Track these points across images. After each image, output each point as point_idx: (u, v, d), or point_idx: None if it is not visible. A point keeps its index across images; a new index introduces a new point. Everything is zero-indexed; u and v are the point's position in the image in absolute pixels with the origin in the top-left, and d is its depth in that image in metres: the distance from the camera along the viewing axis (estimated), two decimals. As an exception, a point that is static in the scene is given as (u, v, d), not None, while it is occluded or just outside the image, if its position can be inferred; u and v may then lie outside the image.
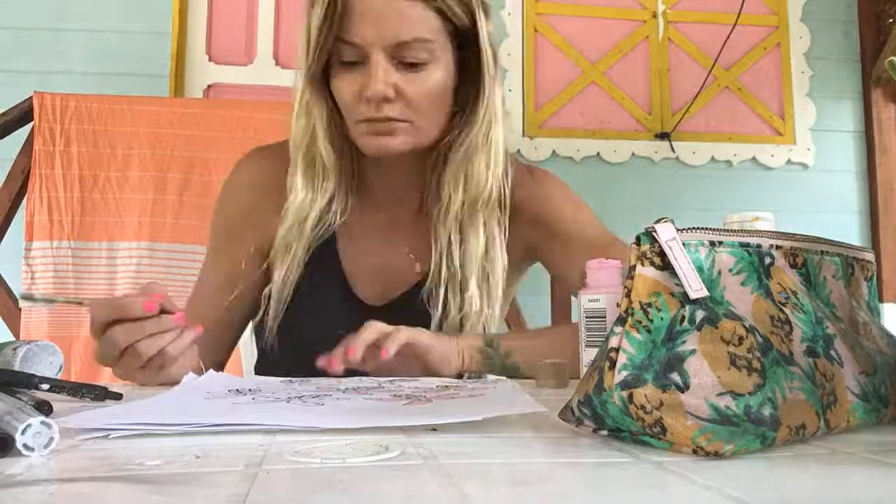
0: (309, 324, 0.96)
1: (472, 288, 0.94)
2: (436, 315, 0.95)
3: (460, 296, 0.95)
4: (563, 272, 1.03)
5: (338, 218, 0.98)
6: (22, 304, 1.28)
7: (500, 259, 0.97)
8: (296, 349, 0.90)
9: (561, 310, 1.52)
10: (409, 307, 0.96)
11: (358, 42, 0.87)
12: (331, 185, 0.96)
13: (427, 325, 0.92)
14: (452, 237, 0.96)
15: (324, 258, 0.98)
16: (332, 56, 0.89)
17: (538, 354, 0.81)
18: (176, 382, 0.68)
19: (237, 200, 1.04)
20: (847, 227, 2.47)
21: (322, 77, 0.92)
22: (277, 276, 0.97)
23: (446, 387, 0.70)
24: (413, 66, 0.89)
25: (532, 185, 1.03)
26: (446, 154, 0.96)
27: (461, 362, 0.85)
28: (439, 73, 0.91)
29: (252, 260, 1.00)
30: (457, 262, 0.95)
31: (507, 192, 0.99)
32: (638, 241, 0.43)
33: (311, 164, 0.95)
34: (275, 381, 0.76)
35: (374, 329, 0.80)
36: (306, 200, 0.95)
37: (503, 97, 0.97)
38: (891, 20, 2.49)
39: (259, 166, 1.04)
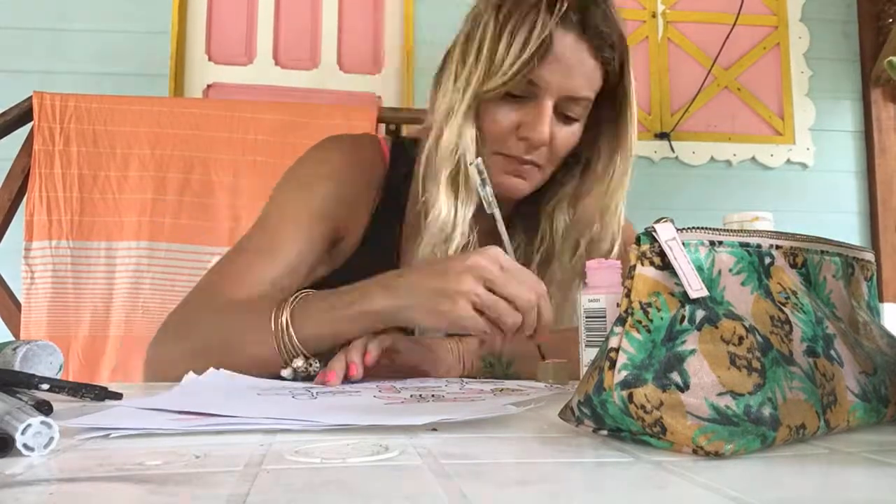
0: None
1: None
2: None
3: None
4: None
5: (472, 242, 0.93)
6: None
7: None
8: None
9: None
10: None
11: (540, 84, 0.87)
12: (472, 208, 0.91)
13: None
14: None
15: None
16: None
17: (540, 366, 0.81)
18: None
19: (331, 181, 0.97)
20: (846, 227, 2.47)
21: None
22: None
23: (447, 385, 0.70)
24: (568, 120, 0.91)
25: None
26: (560, 199, 0.98)
27: (462, 368, 0.85)
28: (580, 131, 0.93)
29: (327, 240, 0.96)
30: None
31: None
32: (638, 240, 0.43)
33: (455, 181, 0.91)
34: (276, 382, 0.76)
35: (363, 337, 0.79)
36: (450, 218, 0.91)
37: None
38: (890, 20, 2.50)
39: (355, 153, 1.00)
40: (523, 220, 1.01)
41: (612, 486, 0.35)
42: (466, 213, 0.91)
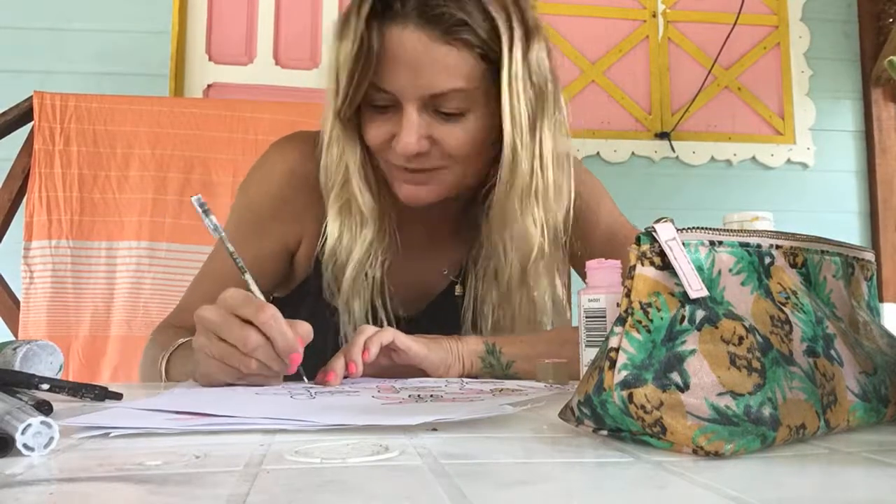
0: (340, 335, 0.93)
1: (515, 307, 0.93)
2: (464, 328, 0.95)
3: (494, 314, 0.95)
4: (582, 261, 0.98)
5: (378, 264, 0.90)
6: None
7: (558, 286, 0.96)
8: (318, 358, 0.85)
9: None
10: (439, 315, 0.96)
11: (390, 90, 0.81)
12: (369, 233, 0.89)
13: (456, 329, 0.93)
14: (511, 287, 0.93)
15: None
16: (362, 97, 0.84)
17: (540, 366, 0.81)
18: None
19: (268, 189, 0.95)
20: (847, 227, 2.47)
21: (352, 115, 0.86)
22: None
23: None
24: (449, 116, 0.83)
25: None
26: (491, 201, 0.90)
27: (461, 367, 0.84)
28: (478, 121, 0.84)
29: (275, 257, 0.95)
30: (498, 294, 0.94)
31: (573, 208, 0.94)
32: (638, 240, 0.43)
33: (347, 208, 0.89)
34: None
35: (363, 334, 0.79)
36: (342, 248, 0.89)
37: (561, 122, 0.90)
38: (891, 20, 2.49)
39: (296, 154, 0.96)
40: (464, 230, 0.97)
41: (612, 486, 0.35)
42: (362, 235, 0.88)
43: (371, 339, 0.78)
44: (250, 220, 0.96)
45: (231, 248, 0.77)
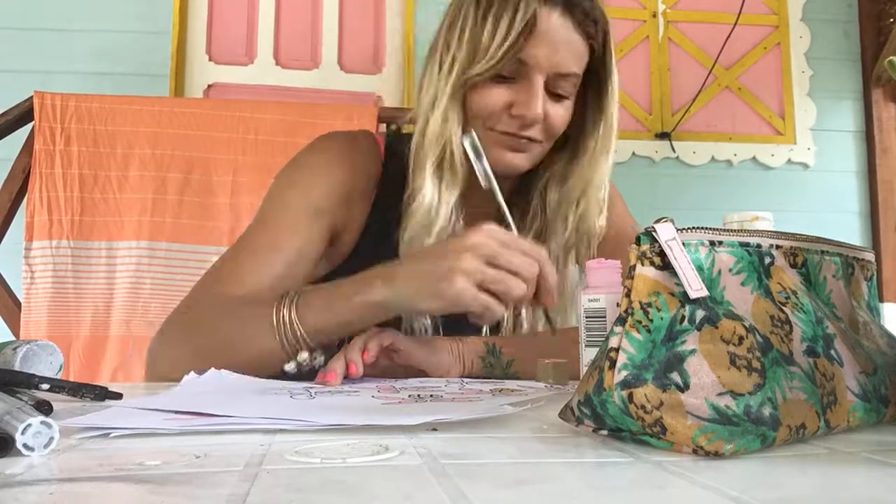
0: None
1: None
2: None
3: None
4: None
5: (456, 226, 0.94)
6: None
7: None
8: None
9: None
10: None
11: (529, 62, 0.88)
12: (457, 193, 0.93)
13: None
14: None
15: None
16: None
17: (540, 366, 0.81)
18: None
19: (328, 176, 0.97)
20: (847, 227, 2.47)
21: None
22: None
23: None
24: (559, 97, 0.91)
25: None
26: (550, 177, 0.99)
27: (461, 367, 0.85)
28: (571, 108, 0.94)
29: (320, 248, 0.95)
30: None
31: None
32: (638, 240, 0.43)
33: (440, 167, 0.92)
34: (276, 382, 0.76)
35: (362, 336, 0.79)
36: (434, 204, 0.91)
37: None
38: (891, 20, 2.49)
39: (351, 148, 0.99)
40: (516, 198, 1.01)
41: (612, 486, 0.35)
42: (450, 198, 0.92)
43: (370, 340, 0.78)
44: (310, 202, 0.95)
45: (502, 202, 0.86)
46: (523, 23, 0.86)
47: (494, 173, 0.89)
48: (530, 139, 0.92)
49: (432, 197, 0.91)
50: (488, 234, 0.74)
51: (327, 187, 0.96)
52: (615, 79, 0.96)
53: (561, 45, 0.89)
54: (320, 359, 0.78)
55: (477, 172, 0.86)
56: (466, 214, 0.95)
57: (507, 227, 0.84)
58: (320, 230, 0.95)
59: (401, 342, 0.81)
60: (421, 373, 0.83)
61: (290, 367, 0.77)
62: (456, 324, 0.88)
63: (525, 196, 1.02)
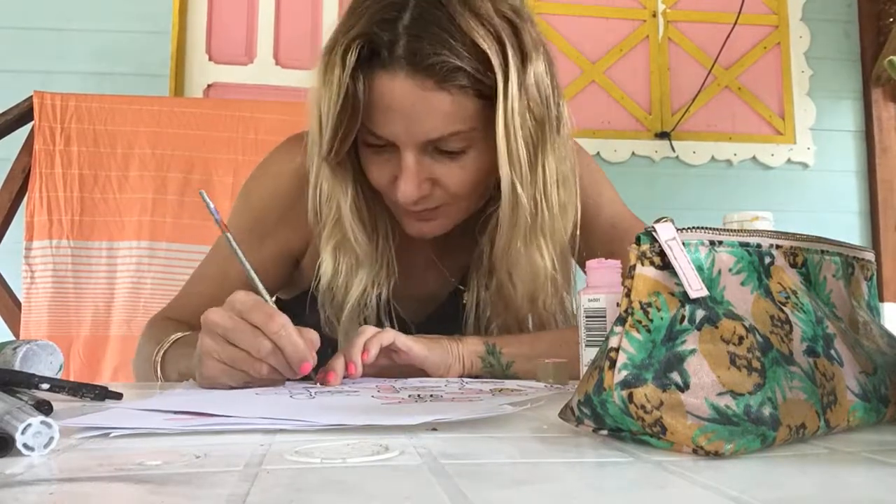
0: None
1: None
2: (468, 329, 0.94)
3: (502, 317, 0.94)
4: (584, 252, 0.95)
5: (376, 295, 0.89)
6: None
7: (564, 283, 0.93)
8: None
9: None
10: (445, 318, 0.95)
11: (386, 136, 0.79)
12: (365, 274, 0.87)
13: (460, 331, 0.92)
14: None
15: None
16: (357, 135, 0.80)
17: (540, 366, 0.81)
18: None
19: (274, 191, 0.93)
20: (847, 227, 2.47)
21: (343, 157, 0.82)
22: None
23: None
24: (450, 154, 0.81)
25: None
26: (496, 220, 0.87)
27: (461, 367, 0.84)
28: (479, 157, 0.82)
29: (277, 262, 0.94)
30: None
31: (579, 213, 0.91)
32: (638, 240, 0.43)
33: (341, 247, 0.87)
34: None
35: (363, 335, 0.79)
36: (339, 287, 0.87)
37: (564, 138, 0.86)
38: (891, 20, 2.49)
39: (304, 155, 0.91)
40: (460, 237, 0.93)
41: (612, 486, 0.35)
42: (363, 275, 0.86)
43: (371, 340, 0.78)
44: (253, 223, 0.93)
45: (239, 251, 0.76)
46: (339, 103, 0.74)
47: (413, 238, 0.85)
48: (433, 208, 0.84)
49: (335, 276, 0.86)
50: (226, 307, 0.68)
51: (272, 201, 0.93)
52: (508, 118, 0.77)
53: (417, 113, 0.76)
54: None
55: (216, 222, 0.77)
56: (404, 255, 0.91)
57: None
58: (273, 248, 0.93)
59: (401, 342, 0.81)
60: (421, 372, 0.83)
61: None
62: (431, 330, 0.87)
63: (473, 231, 0.92)
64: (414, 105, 0.76)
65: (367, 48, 0.75)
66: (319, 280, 0.88)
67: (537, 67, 0.80)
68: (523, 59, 0.78)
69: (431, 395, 0.64)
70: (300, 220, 0.91)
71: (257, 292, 0.73)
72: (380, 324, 0.90)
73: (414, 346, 0.82)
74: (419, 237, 0.89)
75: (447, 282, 0.99)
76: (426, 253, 0.97)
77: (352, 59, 0.74)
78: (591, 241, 0.95)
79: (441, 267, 0.98)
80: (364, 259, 0.87)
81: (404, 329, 0.86)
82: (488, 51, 0.76)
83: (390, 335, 0.80)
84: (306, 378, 0.73)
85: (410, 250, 0.94)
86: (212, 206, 0.75)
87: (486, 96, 0.78)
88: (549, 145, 0.83)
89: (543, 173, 0.83)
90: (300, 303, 0.96)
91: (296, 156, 0.92)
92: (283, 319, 0.67)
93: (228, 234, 0.76)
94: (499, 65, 0.76)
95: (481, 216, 0.90)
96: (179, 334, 0.83)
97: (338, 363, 0.75)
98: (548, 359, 0.80)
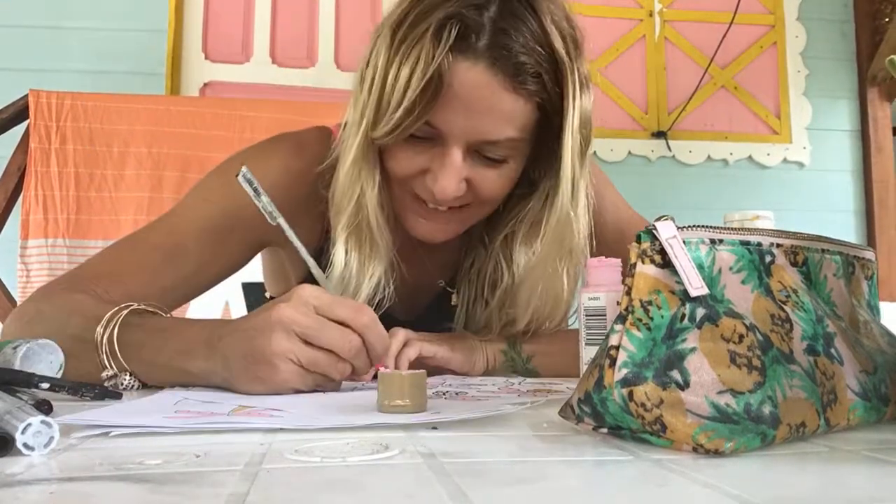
0: None
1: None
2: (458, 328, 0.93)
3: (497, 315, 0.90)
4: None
5: (387, 294, 0.84)
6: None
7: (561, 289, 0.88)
8: None
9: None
10: (435, 318, 0.94)
11: (441, 128, 0.75)
12: (380, 268, 0.82)
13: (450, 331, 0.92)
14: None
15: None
16: None
17: (557, 361, 0.83)
18: None
19: (269, 188, 0.90)
20: (843, 226, 2.48)
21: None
22: None
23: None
24: (492, 161, 0.78)
25: None
26: (506, 226, 0.86)
27: (485, 363, 0.85)
28: (516, 167, 0.80)
29: (238, 257, 0.89)
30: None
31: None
32: (638, 238, 0.43)
33: (357, 236, 0.82)
34: None
35: (398, 340, 0.78)
36: (347, 276, 0.81)
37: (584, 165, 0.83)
38: (886, 19, 2.50)
39: (294, 154, 0.89)
40: (475, 244, 0.91)
41: (612, 485, 0.35)
42: (373, 270, 0.82)
43: (399, 358, 0.77)
44: (225, 209, 0.85)
45: (295, 239, 0.72)
46: (423, 80, 0.70)
47: (419, 240, 0.82)
48: (454, 208, 0.81)
49: (347, 267, 0.81)
50: (300, 303, 0.61)
51: (239, 206, 0.82)
52: (571, 132, 0.77)
53: (482, 108, 0.74)
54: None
55: (260, 209, 0.72)
56: (409, 270, 0.87)
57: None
58: (238, 248, 0.87)
59: (426, 350, 0.80)
60: (449, 371, 0.83)
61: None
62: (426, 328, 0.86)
63: (483, 242, 0.89)
64: (483, 100, 0.73)
65: (458, 30, 0.71)
66: (331, 270, 0.82)
67: (589, 95, 0.80)
68: (582, 85, 0.78)
69: (457, 393, 0.64)
70: (289, 214, 0.86)
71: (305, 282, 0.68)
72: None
73: (438, 351, 0.81)
74: (425, 240, 0.85)
75: (433, 280, 0.97)
76: (419, 250, 0.94)
77: (448, 37, 0.70)
78: (600, 248, 0.91)
79: (428, 264, 0.95)
80: (382, 250, 0.82)
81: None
82: (564, 67, 0.75)
83: (416, 348, 0.79)
84: None
85: (405, 247, 0.91)
86: (256, 183, 0.70)
87: (543, 108, 0.77)
88: (587, 170, 0.83)
89: (579, 193, 0.82)
90: None
91: (280, 151, 0.89)
92: (371, 313, 0.63)
93: (280, 220, 0.72)
94: (570, 83, 0.75)
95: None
96: (134, 309, 0.70)
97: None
98: (565, 360, 0.80)
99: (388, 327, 0.83)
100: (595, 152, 2.37)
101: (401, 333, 0.79)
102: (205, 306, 1.49)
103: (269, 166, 0.86)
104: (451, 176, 0.76)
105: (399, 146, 0.78)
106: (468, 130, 0.75)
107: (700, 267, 0.43)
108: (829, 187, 2.51)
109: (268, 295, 1.12)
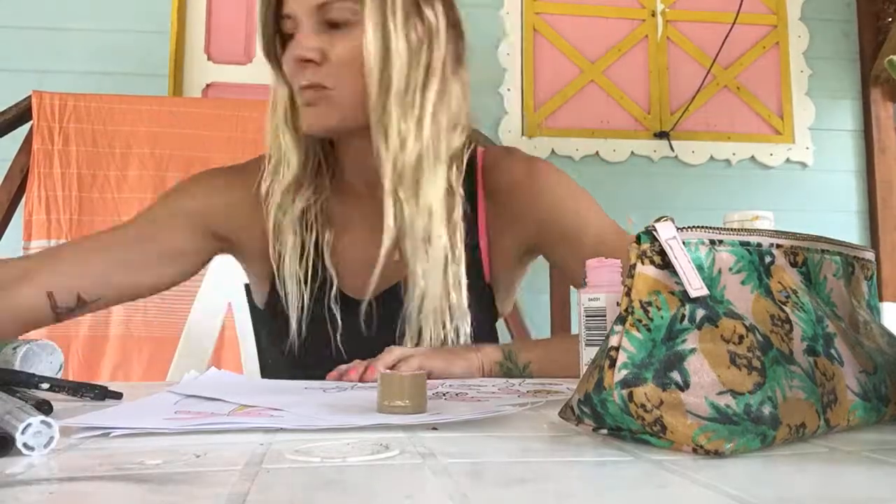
0: (294, 321, 0.93)
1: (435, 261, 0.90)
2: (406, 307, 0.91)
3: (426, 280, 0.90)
4: (573, 270, 0.95)
5: (311, 200, 0.94)
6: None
7: (459, 244, 0.91)
8: (281, 348, 0.92)
9: (560, 307, 1.51)
10: (396, 300, 0.92)
11: (290, 13, 0.88)
12: (293, 167, 0.93)
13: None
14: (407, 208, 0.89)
15: (308, 253, 0.94)
16: (280, 34, 0.91)
17: (555, 368, 0.83)
18: None
19: (223, 188, 0.99)
20: (846, 227, 2.47)
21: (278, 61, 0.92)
22: (290, 286, 0.93)
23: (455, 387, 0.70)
24: (336, 27, 0.87)
25: (523, 177, 0.97)
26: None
27: (482, 375, 0.85)
28: (366, 37, 0.86)
29: (179, 239, 0.96)
30: (417, 236, 0.89)
31: (477, 172, 0.96)
32: (638, 239, 0.43)
33: (278, 150, 0.93)
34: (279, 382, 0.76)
35: (392, 356, 0.80)
36: (273, 183, 0.93)
37: (459, 56, 0.92)
38: (889, 19, 2.49)
39: (234, 170, 1.01)
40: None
41: (612, 485, 0.35)
42: (283, 181, 0.92)
43: (398, 367, 0.79)
44: (176, 200, 0.98)
45: None
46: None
47: (307, 136, 0.92)
48: (316, 85, 0.88)
49: (270, 180, 0.93)
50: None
51: (209, 198, 0.98)
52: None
53: None
54: None
55: None
56: (343, 201, 0.96)
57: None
58: (193, 236, 0.96)
59: (426, 364, 0.80)
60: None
61: None
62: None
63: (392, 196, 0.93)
64: None
65: None
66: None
67: None
68: None
69: (457, 394, 0.64)
70: (243, 217, 0.97)
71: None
72: (330, 311, 0.92)
73: (436, 365, 0.81)
74: (312, 128, 0.91)
75: (393, 262, 0.93)
76: (361, 209, 0.96)
77: None
78: (579, 257, 0.93)
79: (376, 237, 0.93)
80: (291, 153, 0.92)
81: (355, 311, 0.90)
82: None
83: (415, 362, 0.80)
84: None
85: (345, 203, 0.97)
86: None
87: None
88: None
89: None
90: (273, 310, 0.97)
91: (221, 169, 1.02)
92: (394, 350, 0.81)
93: None
94: None
95: None
96: None
97: (358, 368, 0.78)
98: (561, 365, 0.80)
99: (344, 307, 0.91)
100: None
101: (396, 350, 0.81)
102: (208, 307, 1.49)
103: (212, 184, 1.00)
104: (300, 38, 0.87)
105: (285, 56, 0.90)
106: (302, 2, 0.86)
107: (700, 268, 0.43)
108: (833, 187, 2.50)
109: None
